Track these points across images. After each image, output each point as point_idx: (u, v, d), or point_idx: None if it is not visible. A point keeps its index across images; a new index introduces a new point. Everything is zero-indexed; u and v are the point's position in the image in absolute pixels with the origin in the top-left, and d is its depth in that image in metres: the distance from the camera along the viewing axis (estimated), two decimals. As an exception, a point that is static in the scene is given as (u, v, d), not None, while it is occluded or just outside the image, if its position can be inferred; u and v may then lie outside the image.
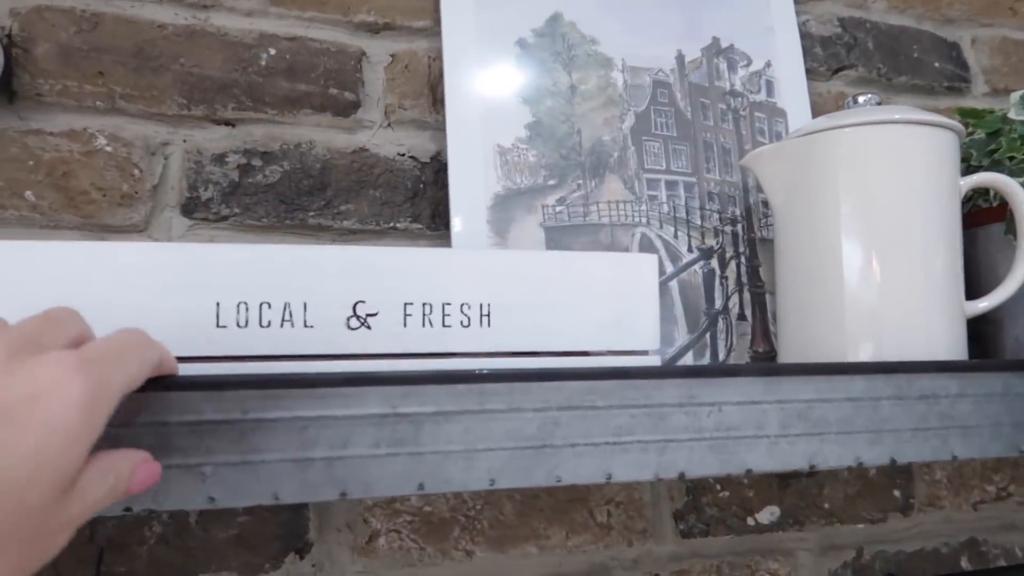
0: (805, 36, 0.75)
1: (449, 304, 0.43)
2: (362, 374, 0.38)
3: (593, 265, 0.46)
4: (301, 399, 0.37)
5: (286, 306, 0.39)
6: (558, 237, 0.61)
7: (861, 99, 0.59)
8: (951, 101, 0.80)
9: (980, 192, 0.64)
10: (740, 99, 0.69)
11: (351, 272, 0.41)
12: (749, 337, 0.64)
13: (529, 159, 0.61)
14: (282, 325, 0.39)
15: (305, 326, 0.40)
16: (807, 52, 0.74)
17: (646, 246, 0.63)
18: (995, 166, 0.63)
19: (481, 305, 0.44)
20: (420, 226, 0.60)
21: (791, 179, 0.58)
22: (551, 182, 0.62)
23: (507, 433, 0.41)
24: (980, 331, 0.67)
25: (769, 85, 0.70)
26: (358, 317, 0.41)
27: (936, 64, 0.80)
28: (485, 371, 0.40)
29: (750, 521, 0.66)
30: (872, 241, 0.55)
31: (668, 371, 0.44)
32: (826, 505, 0.68)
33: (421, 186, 0.61)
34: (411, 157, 0.61)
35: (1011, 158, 0.62)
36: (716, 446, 0.45)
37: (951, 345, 0.55)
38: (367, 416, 0.38)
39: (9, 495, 0.23)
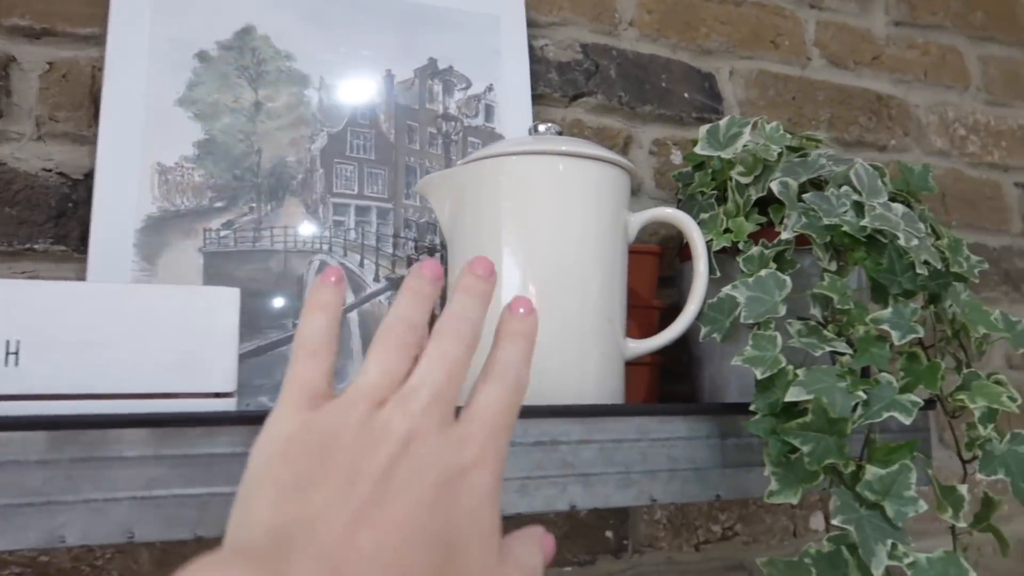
0: (540, 61, 0.73)
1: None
2: None
3: (157, 298, 0.42)
4: None
5: None
6: (220, 264, 0.57)
7: (542, 127, 0.57)
8: (701, 132, 0.79)
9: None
10: (453, 123, 0.67)
11: None
12: (437, 372, 0.61)
13: (195, 179, 0.57)
14: None
15: None
16: (540, 77, 0.72)
17: (325, 274, 0.59)
18: (690, 200, 0.62)
19: (8, 342, 0.39)
20: (65, 248, 0.56)
21: (458, 207, 0.55)
22: (218, 204, 0.58)
23: (3, 488, 0.37)
24: (690, 370, 0.66)
25: (488, 109, 0.68)
26: None
27: (686, 94, 0.79)
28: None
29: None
30: (528, 275, 0.52)
31: (223, 417, 0.40)
32: (533, 547, 0.66)
33: (70, 205, 0.56)
34: (59, 173, 0.56)
35: (702, 192, 0.61)
36: (276, 499, 0.41)
37: (603, 386, 0.52)
38: None
39: (456, 557, 0.25)
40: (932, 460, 0.60)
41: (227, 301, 0.43)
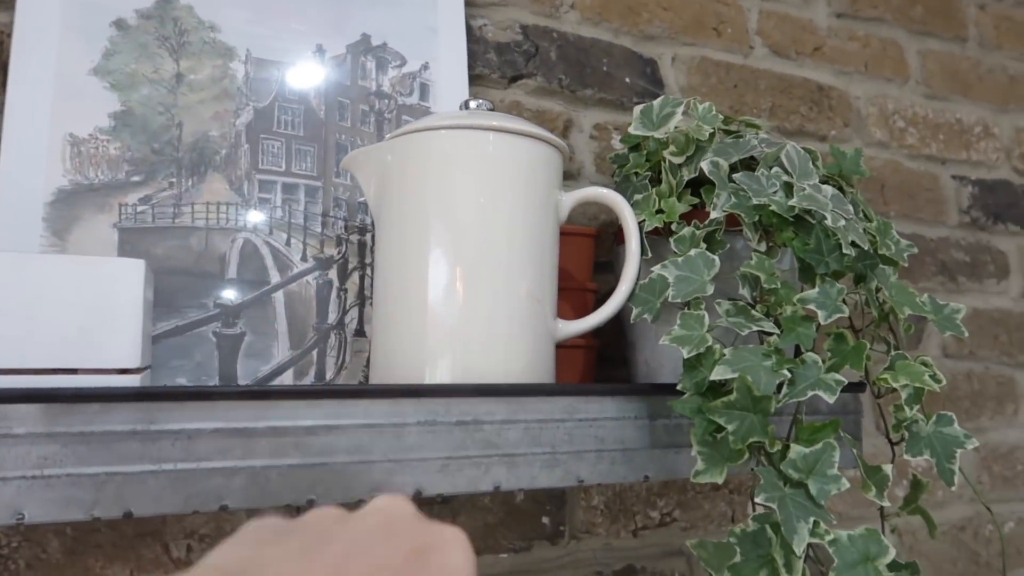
0: (479, 41, 0.72)
1: None
2: None
3: (56, 269, 0.40)
4: None
5: None
6: (136, 240, 0.55)
7: (473, 103, 0.56)
8: (642, 118, 0.79)
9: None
10: (387, 101, 0.65)
11: None
12: (367, 354, 0.60)
13: (110, 152, 0.55)
14: None
15: None
16: (479, 58, 0.71)
17: (249, 253, 0.57)
18: (625, 181, 0.61)
19: None
20: (-32, 222, 0.53)
21: (384, 184, 0.53)
22: (135, 178, 0.55)
23: None
24: (627, 354, 0.65)
25: (424, 88, 0.66)
26: None
27: (627, 79, 0.78)
28: None
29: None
30: (457, 254, 0.51)
31: (117, 393, 0.38)
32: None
33: (-25, 177, 0.53)
34: (-38, 143, 0.53)
35: (636, 174, 0.60)
36: (180, 477, 0.39)
37: (533, 367, 0.51)
38: None
39: None
40: (862, 442, 0.60)
41: (131, 273, 0.41)
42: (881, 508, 0.58)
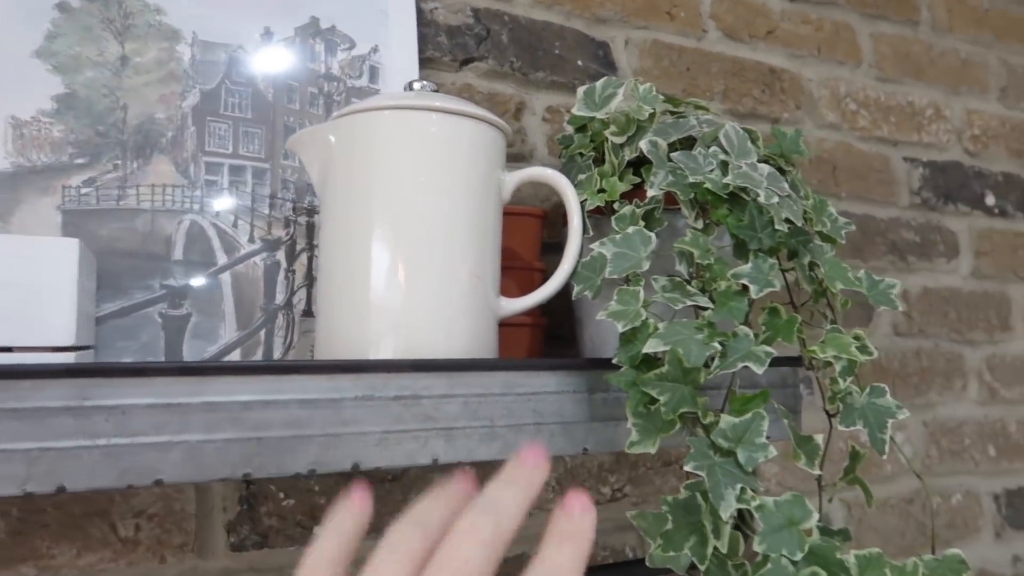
0: (429, 24, 0.72)
1: None
2: None
3: (-13, 248, 0.40)
4: None
5: None
6: (80, 222, 0.55)
7: (417, 85, 0.57)
8: (594, 100, 0.80)
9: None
10: (336, 83, 0.65)
11: None
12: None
13: (53, 134, 0.55)
14: None
15: None
16: (429, 41, 0.72)
17: (196, 234, 0.58)
18: (571, 162, 0.62)
19: None
20: (-91, 205, 0.53)
21: (329, 165, 0.54)
22: (79, 161, 0.56)
23: None
24: (574, 332, 0.66)
25: (374, 71, 0.67)
26: None
27: (580, 62, 0.79)
28: None
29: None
30: (399, 235, 0.52)
31: (45, 370, 0.39)
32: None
33: (-85, 159, 0.53)
34: (-98, 126, 0.53)
35: (580, 154, 0.61)
36: (114, 452, 0.40)
37: (474, 344, 0.52)
38: None
39: None
40: (801, 415, 0.62)
41: (66, 252, 0.42)
42: (818, 478, 0.60)
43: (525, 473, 0.29)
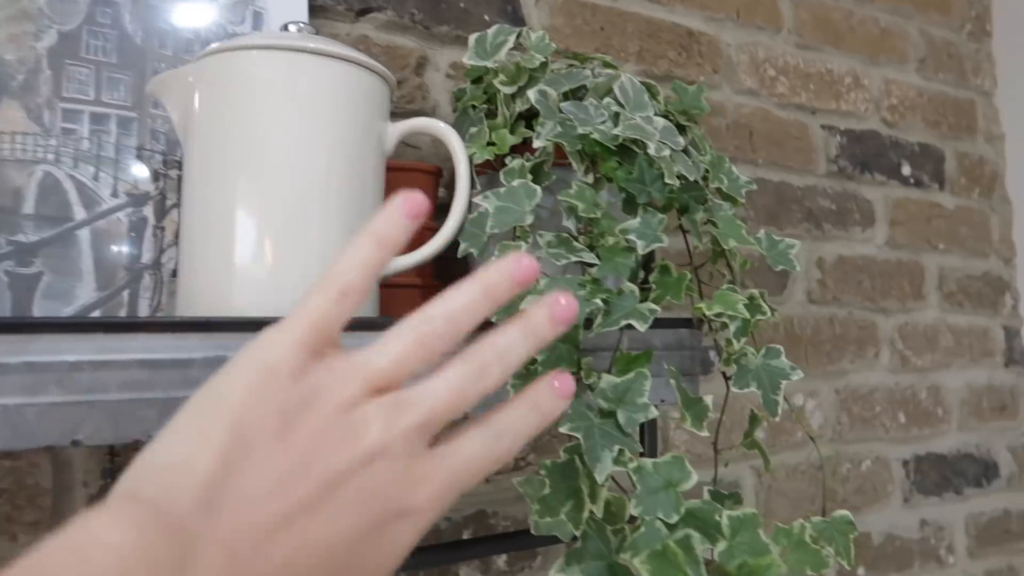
0: (322, -30, 0.68)
1: None
2: None
3: None
4: None
5: None
6: (-87, 170, 0.50)
7: (292, 27, 0.53)
8: (502, 57, 0.76)
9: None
10: (216, 30, 0.61)
11: None
12: (188, 296, 0.56)
13: None
14: None
15: None
16: (321, -13, 0.68)
17: (50, 186, 0.53)
18: (463, 115, 0.59)
19: None
20: None
21: (189, 111, 0.50)
22: (-88, 103, 0.50)
23: None
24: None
25: (257, 16, 0.63)
26: None
27: (486, 17, 0.76)
28: None
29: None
30: (264, 188, 0.48)
31: None
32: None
33: None
34: None
35: (473, 106, 0.58)
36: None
37: (349, 303, 0.49)
38: None
39: None
40: (699, 378, 0.60)
41: None
42: (714, 442, 0.58)
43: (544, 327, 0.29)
